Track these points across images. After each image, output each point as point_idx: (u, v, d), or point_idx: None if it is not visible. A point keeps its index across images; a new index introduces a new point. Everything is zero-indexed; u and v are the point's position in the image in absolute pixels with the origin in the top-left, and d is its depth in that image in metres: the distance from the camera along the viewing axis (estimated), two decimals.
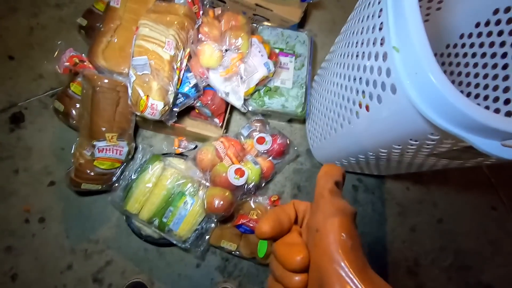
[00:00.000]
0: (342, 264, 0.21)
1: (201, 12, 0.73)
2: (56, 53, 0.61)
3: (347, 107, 0.54)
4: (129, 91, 0.58)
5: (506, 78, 0.53)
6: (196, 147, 0.76)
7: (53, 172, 0.72)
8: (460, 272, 0.81)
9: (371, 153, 0.55)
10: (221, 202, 0.62)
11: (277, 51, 0.77)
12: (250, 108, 0.73)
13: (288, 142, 0.75)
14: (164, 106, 0.58)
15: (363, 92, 0.56)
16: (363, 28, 0.48)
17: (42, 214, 0.70)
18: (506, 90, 0.53)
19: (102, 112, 0.62)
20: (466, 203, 0.86)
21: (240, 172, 0.65)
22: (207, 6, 0.74)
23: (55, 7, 0.82)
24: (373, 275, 0.22)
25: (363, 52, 0.47)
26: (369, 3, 0.47)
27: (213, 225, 0.68)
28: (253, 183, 0.67)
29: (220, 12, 0.66)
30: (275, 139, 0.73)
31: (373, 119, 0.46)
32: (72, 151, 0.66)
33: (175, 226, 0.64)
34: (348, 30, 0.58)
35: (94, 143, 0.63)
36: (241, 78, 0.64)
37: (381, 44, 0.41)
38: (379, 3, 0.42)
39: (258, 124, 0.76)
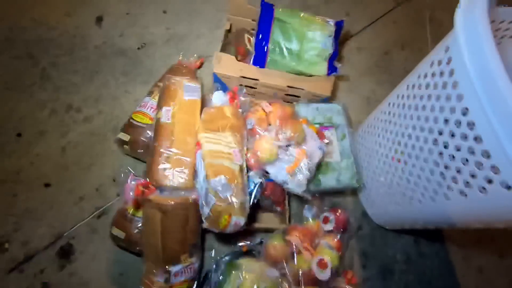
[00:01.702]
0: None
1: (239, 104, 0.74)
2: (121, 186, 0.58)
3: (428, 188, 0.55)
4: (207, 211, 0.56)
5: None
6: (261, 241, 0.73)
7: None
8: None
9: (462, 224, 0.56)
10: None
11: (317, 126, 0.79)
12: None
13: (348, 214, 0.75)
14: (246, 220, 0.56)
15: (402, 152, 0.57)
16: (450, 131, 0.48)
17: None
18: None
19: (174, 235, 0.59)
20: None
21: (322, 265, 0.63)
22: (243, 97, 0.75)
23: (83, 121, 0.80)
24: None
25: (454, 145, 0.48)
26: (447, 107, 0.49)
27: None
28: (335, 270, 0.65)
29: (269, 108, 0.68)
30: (337, 215, 0.73)
31: (472, 206, 0.47)
32: (142, 280, 0.61)
33: None
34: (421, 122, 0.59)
35: (170, 269, 0.59)
36: (308, 170, 0.64)
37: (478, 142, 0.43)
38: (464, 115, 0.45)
39: (316, 201, 0.76)
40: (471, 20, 0.41)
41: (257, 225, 0.69)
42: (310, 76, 0.82)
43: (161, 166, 0.60)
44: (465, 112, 0.43)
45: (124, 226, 0.64)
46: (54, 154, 0.76)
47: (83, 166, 0.76)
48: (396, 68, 1.07)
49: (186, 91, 0.67)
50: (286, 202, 0.72)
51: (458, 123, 0.45)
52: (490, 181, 0.42)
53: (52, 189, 0.73)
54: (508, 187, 0.39)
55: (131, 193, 0.57)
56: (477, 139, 0.42)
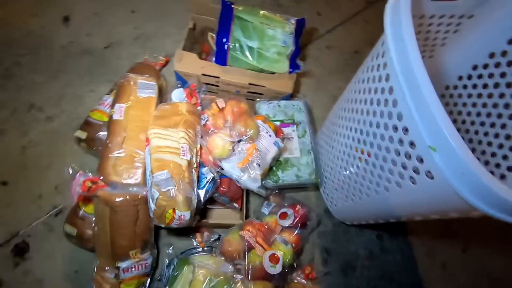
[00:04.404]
0: None
1: (199, 101, 0.74)
2: (68, 180, 0.58)
3: (372, 181, 0.55)
4: (152, 206, 0.56)
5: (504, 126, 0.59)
6: (219, 236, 0.73)
7: None
8: None
9: (405, 218, 0.56)
10: None
11: (278, 123, 0.79)
12: (266, 187, 0.73)
13: (308, 210, 0.75)
14: (191, 214, 0.56)
15: (362, 149, 0.58)
16: (385, 124, 0.49)
17: None
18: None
19: (123, 231, 0.59)
20: (489, 228, 0.88)
21: (274, 259, 0.63)
22: (203, 94, 0.76)
23: (45, 120, 0.80)
24: None
25: (381, 134, 0.49)
26: (376, 88, 0.50)
27: None
28: (288, 265, 0.65)
29: (223, 104, 0.68)
30: (296, 210, 0.73)
31: (408, 194, 0.48)
32: (93, 276, 0.61)
33: None
34: (351, 107, 0.61)
35: (118, 265, 0.59)
36: (259, 165, 0.64)
37: (405, 132, 0.43)
38: (390, 93, 0.46)
39: (276, 198, 0.76)
40: (396, 16, 0.42)
41: (211, 220, 0.69)
42: (272, 73, 0.82)
43: (111, 162, 0.61)
44: (395, 104, 0.44)
45: (76, 223, 0.63)
46: (13, 153, 0.76)
47: (43, 165, 0.76)
48: None
49: (141, 88, 0.67)
50: (244, 198, 0.72)
51: (390, 114, 0.46)
52: (417, 171, 0.42)
53: (10, 187, 0.73)
54: (432, 177, 0.40)
55: (77, 189, 0.57)
56: (404, 130, 0.43)
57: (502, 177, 0.61)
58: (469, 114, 0.67)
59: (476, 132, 0.66)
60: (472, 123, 0.67)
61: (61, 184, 0.74)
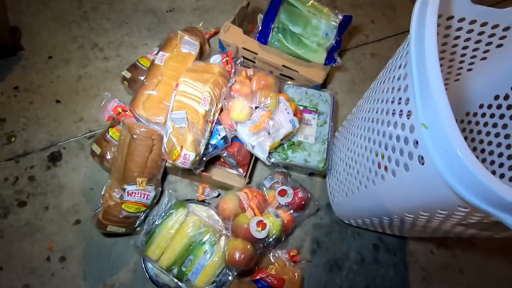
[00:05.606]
0: None
1: (233, 71, 0.80)
2: (103, 102, 0.67)
3: (372, 169, 0.55)
4: (165, 140, 0.62)
5: None
6: (219, 195, 0.78)
7: (80, 210, 0.75)
8: None
9: (396, 216, 0.55)
10: (242, 255, 0.62)
11: (301, 108, 0.82)
12: (273, 160, 0.76)
13: (309, 195, 0.76)
14: (196, 156, 0.61)
15: (382, 154, 0.58)
16: (388, 99, 0.52)
17: (63, 253, 0.71)
18: None
19: (136, 158, 0.66)
20: (495, 272, 0.81)
21: (262, 225, 0.65)
22: (239, 66, 0.82)
23: (103, 59, 0.92)
24: None
25: (388, 121, 0.50)
26: (394, 77, 0.51)
27: (230, 278, 0.66)
28: (274, 237, 0.67)
29: (252, 72, 0.73)
30: (296, 192, 0.75)
31: (399, 184, 0.47)
32: (102, 193, 0.69)
33: (193, 276, 0.64)
34: (372, 97, 0.63)
35: (125, 186, 0.66)
36: (268, 133, 0.67)
37: (408, 116, 0.44)
38: (404, 78, 0.47)
39: (280, 176, 0.78)
40: (421, 19, 0.43)
41: (215, 176, 0.73)
42: (308, 62, 0.85)
43: (143, 98, 0.68)
44: (406, 91, 0.45)
45: (102, 144, 0.72)
46: (71, 79, 0.88)
47: (91, 95, 0.87)
48: None
49: (184, 44, 0.75)
50: (250, 166, 0.76)
51: (399, 101, 0.47)
52: (411, 156, 0.42)
53: (61, 105, 0.85)
54: (423, 161, 0.40)
55: (109, 110, 0.65)
56: (409, 113, 0.43)
57: None
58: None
59: None
60: None
61: (100, 113, 0.84)
